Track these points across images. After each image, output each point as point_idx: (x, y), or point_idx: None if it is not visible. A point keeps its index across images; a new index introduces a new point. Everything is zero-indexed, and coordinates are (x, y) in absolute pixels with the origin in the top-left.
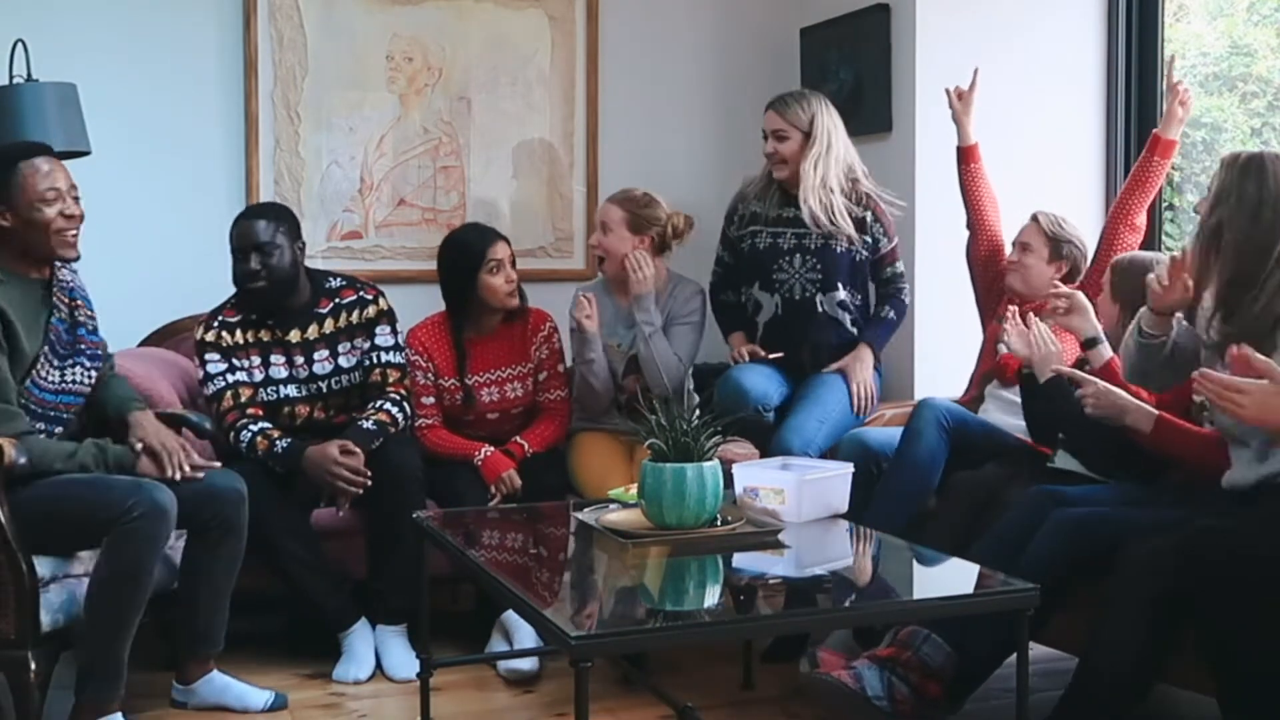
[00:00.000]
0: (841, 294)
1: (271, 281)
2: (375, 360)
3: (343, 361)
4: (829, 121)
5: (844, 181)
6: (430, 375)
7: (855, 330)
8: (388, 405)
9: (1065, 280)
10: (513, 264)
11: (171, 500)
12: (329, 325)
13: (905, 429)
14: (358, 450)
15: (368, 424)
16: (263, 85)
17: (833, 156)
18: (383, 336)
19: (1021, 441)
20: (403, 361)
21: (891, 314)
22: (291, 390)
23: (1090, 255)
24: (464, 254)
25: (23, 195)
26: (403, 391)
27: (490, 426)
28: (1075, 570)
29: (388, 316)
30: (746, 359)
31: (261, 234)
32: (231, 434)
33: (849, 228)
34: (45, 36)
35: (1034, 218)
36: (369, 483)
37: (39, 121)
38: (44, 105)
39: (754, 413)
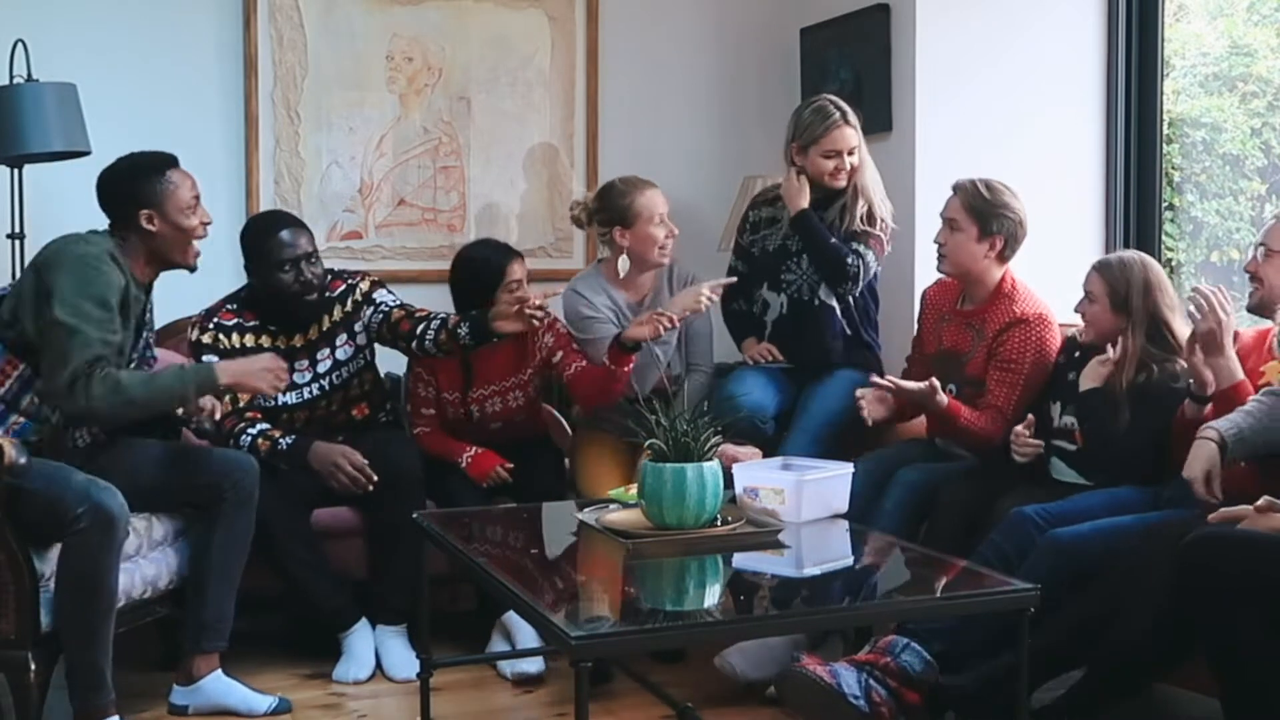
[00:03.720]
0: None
1: (320, 290)
2: (388, 309)
3: (339, 354)
4: None
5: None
6: (431, 389)
7: (845, 322)
8: (433, 319)
9: (1000, 257)
10: (527, 280)
11: (120, 505)
12: (325, 322)
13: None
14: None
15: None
16: (263, 85)
17: (873, 170)
18: (382, 296)
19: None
20: (407, 303)
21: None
22: (290, 398)
23: (1021, 226)
24: (482, 272)
25: (172, 201)
26: (426, 311)
27: (494, 436)
28: (1071, 589)
29: (379, 285)
30: (762, 360)
31: (308, 244)
32: (230, 439)
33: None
34: (45, 36)
35: (955, 189)
36: (374, 481)
37: (39, 121)
38: (44, 105)
39: (746, 420)
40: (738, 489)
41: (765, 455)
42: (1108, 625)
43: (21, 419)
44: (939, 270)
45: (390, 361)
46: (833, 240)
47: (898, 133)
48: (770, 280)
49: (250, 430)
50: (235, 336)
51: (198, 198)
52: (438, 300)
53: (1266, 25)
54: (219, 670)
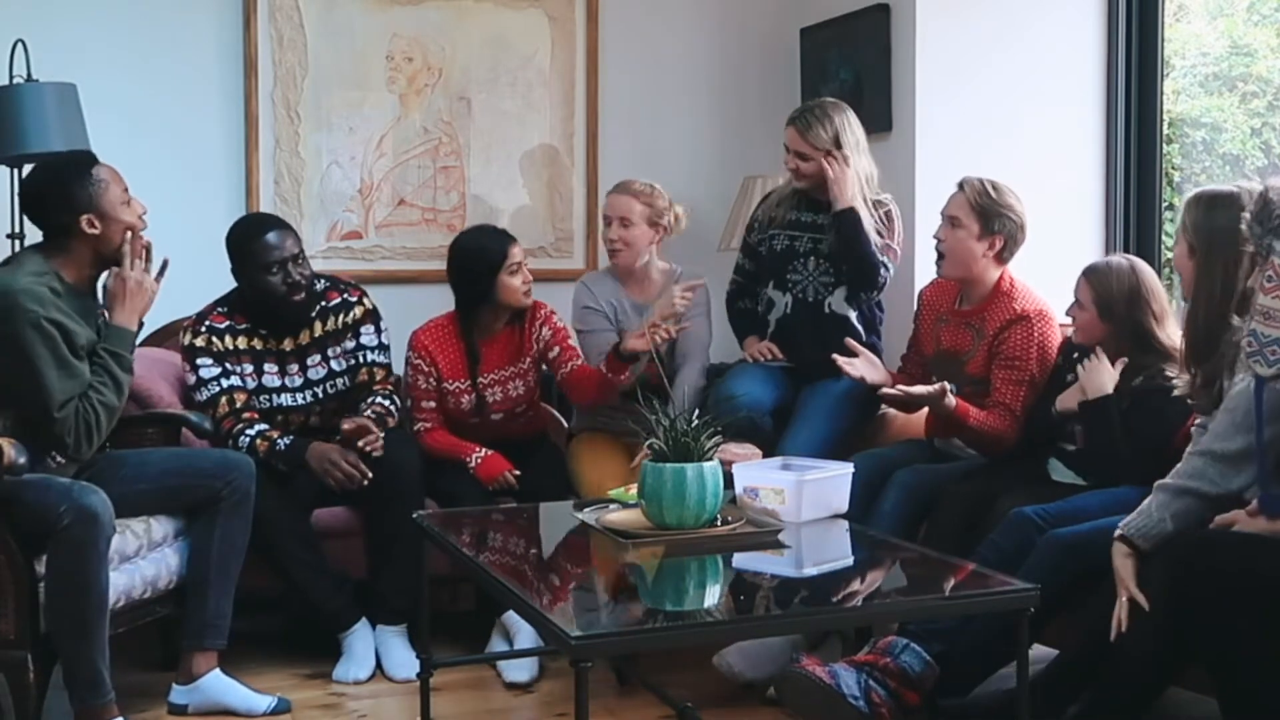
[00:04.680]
0: (846, 290)
1: (309, 292)
2: (361, 360)
3: (334, 365)
4: (851, 136)
5: (865, 191)
6: (432, 380)
7: (861, 329)
8: (379, 399)
9: (999, 258)
10: (525, 263)
11: (104, 503)
12: (318, 329)
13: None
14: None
15: (369, 414)
16: (263, 85)
17: (858, 170)
18: (368, 336)
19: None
20: (388, 361)
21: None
22: (285, 399)
23: (1021, 229)
24: (483, 256)
25: (107, 198)
26: (389, 388)
27: (494, 428)
28: (1072, 588)
29: (372, 316)
30: (762, 358)
31: (294, 246)
32: (230, 440)
33: (874, 239)
34: (45, 36)
35: (960, 187)
36: (368, 477)
37: (39, 121)
38: (44, 105)
39: (746, 419)
40: (738, 489)
41: (764, 452)
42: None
43: None
44: (940, 274)
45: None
46: (872, 247)
47: (898, 133)
48: (776, 279)
49: (249, 431)
50: (228, 339)
51: (127, 189)
52: (438, 299)
53: (1266, 25)
54: (218, 669)
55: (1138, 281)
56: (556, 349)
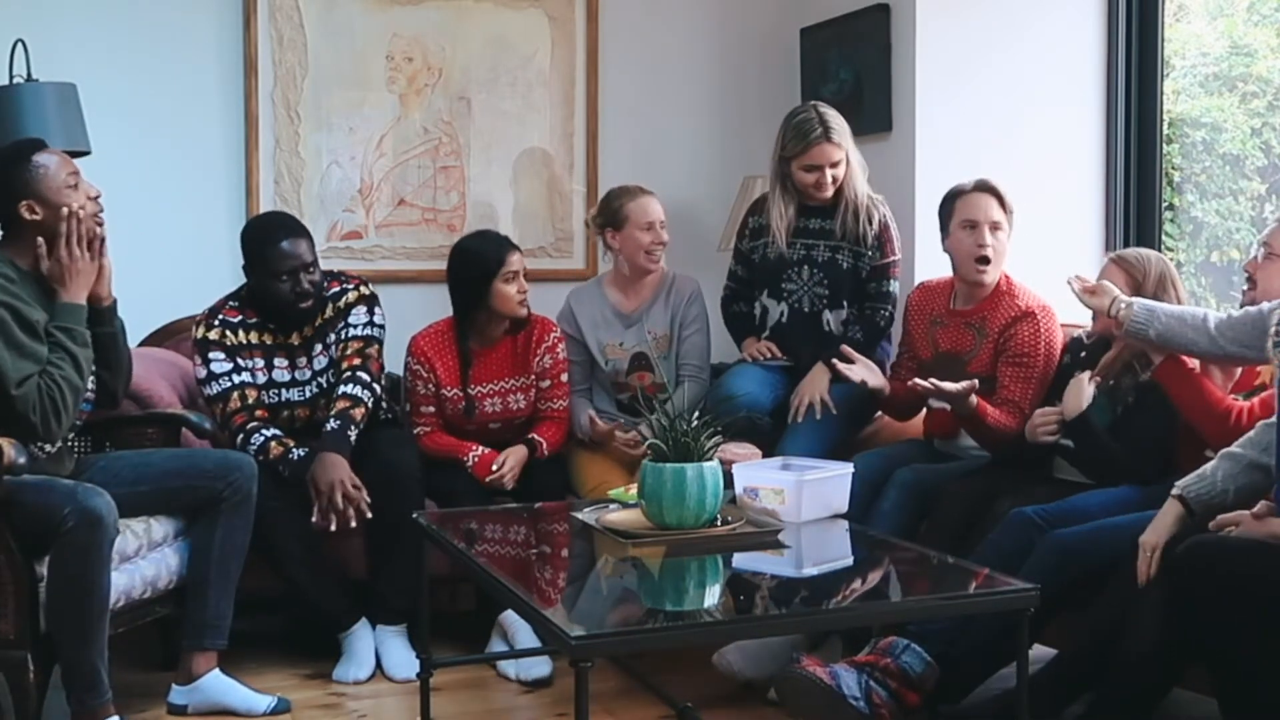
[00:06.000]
0: (845, 312)
1: (318, 297)
2: (346, 337)
3: (332, 353)
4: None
5: (867, 187)
6: (431, 386)
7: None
8: (343, 389)
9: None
10: (524, 273)
11: (108, 505)
12: (318, 319)
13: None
14: (360, 487)
15: (332, 425)
16: (263, 85)
17: (855, 165)
18: (355, 317)
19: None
20: (366, 335)
21: (859, 335)
22: (294, 394)
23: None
24: (479, 261)
25: (47, 184)
26: (357, 362)
27: (493, 436)
28: (1072, 589)
29: (366, 300)
30: (761, 357)
31: (308, 253)
32: (240, 436)
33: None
34: (45, 36)
35: (989, 191)
36: (369, 514)
37: (39, 121)
38: (44, 105)
39: (745, 419)
40: (738, 489)
41: (764, 452)
42: (1115, 644)
43: None
44: (986, 279)
45: (390, 362)
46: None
47: (898, 133)
48: (771, 288)
49: (264, 431)
50: (240, 333)
51: (76, 173)
52: (439, 299)
53: (1266, 25)
54: (217, 669)
55: (1165, 270)
56: (549, 381)
